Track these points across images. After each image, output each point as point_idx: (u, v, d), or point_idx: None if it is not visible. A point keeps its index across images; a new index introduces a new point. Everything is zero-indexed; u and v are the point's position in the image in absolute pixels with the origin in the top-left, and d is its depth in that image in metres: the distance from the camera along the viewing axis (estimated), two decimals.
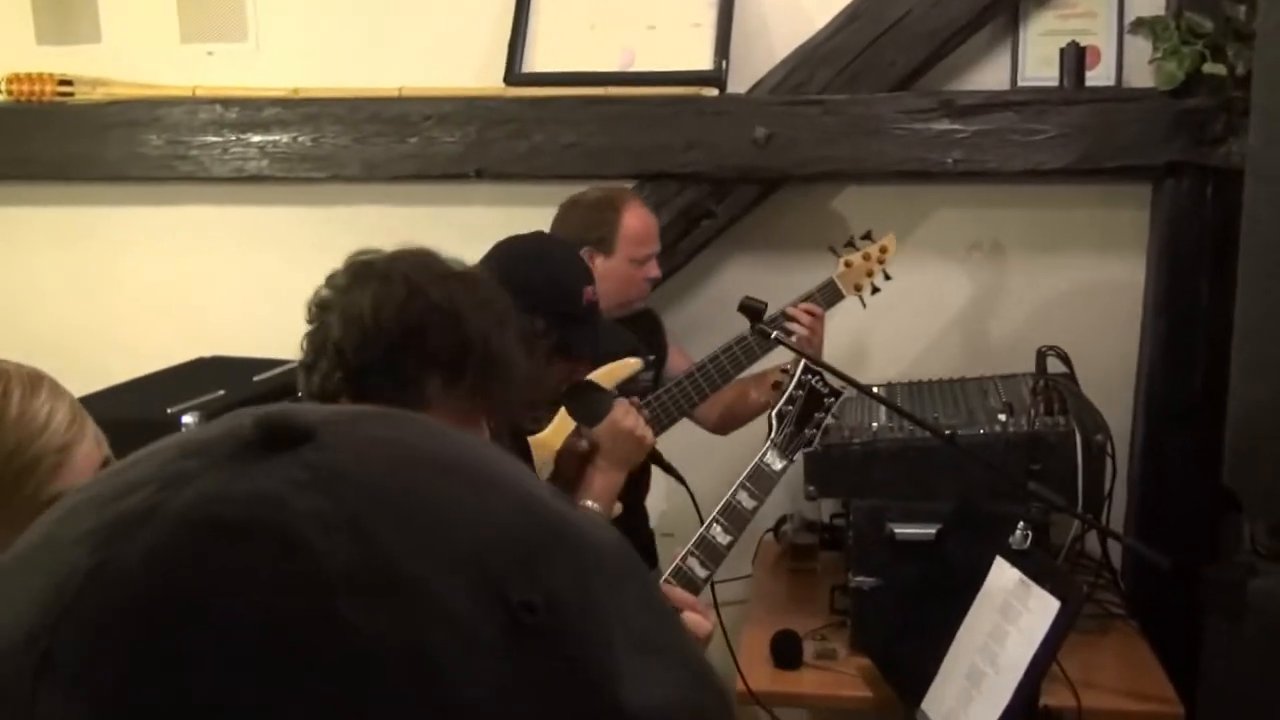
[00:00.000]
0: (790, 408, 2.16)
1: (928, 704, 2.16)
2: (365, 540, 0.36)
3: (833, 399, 2.19)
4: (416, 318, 1.50)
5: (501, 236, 2.19)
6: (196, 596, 0.35)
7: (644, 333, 2.81)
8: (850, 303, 2.87)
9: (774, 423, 2.17)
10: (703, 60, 3.09)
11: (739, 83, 3.12)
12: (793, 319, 2.73)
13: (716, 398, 2.81)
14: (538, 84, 3.16)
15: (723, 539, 2.05)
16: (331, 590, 0.35)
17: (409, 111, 3.22)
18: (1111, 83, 3.05)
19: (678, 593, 1.96)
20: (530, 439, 2.17)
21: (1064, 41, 3.02)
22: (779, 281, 2.96)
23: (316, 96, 3.29)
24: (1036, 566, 2.10)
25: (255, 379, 2.58)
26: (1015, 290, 3.23)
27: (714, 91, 3.09)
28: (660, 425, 2.69)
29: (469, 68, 3.26)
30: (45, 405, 1.27)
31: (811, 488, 2.59)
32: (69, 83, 3.38)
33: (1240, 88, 2.73)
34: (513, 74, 3.18)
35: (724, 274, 3.30)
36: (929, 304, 3.22)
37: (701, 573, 2.07)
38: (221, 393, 2.52)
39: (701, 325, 3.16)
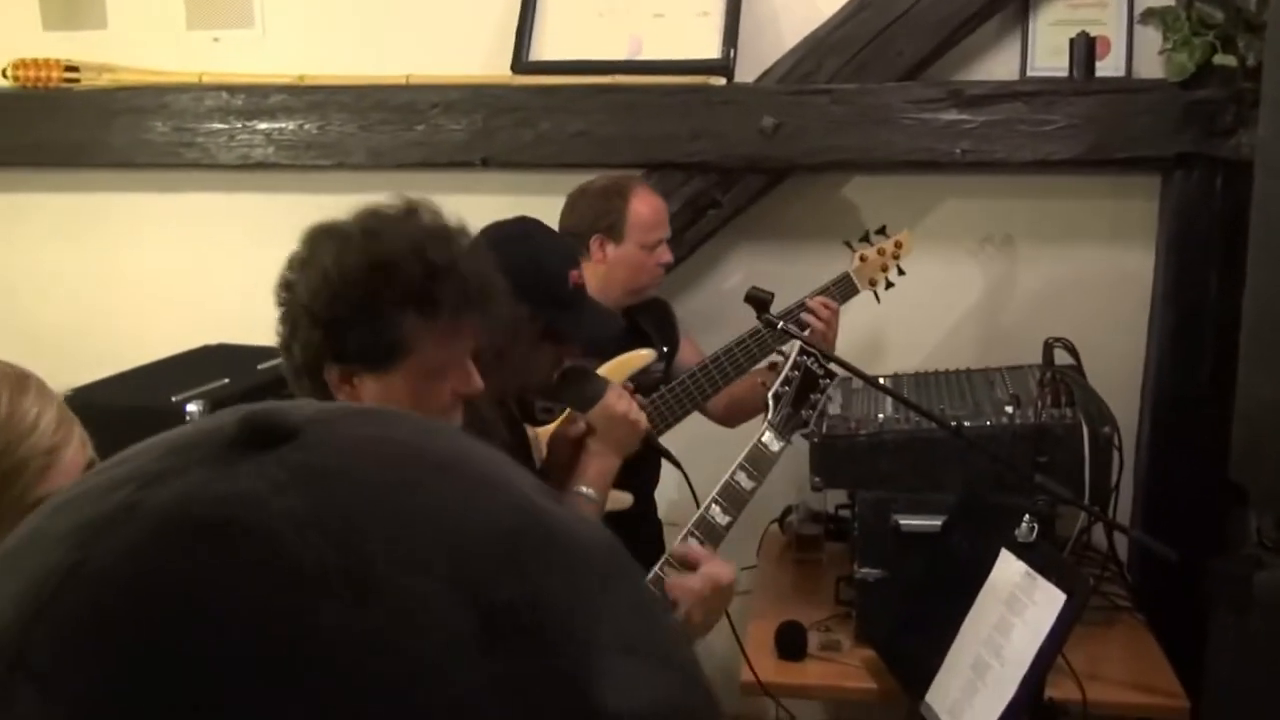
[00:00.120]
0: (786, 388, 2.16)
1: (932, 696, 2.16)
2: (344, 540, 0.36)
3: (828, 380, 2.19)
4: (380, 256, 1.51)
5: None
6: (174, 595, 0.35)
7: (656, 323, 2.80)
8: (858, 296, 2.86)
9: (771, 404, 2.16)
10: (710, 49, 3.09)
11: (746, 72, 3.11)
12: (811, 311, 2.73)
13: (725, 389, 2.81)
14: (545, 72, 3.16)
15: (721, 519, 2.05)
16: (309, 591, 0.35)
17: (416, 99, 3.21)
18: (1121, 73, 3.04)
19: (695, 548, 1.96)
20: (539, 430, 2.16)
21: (1074, 31, 3.01)
22: (785, 271, 2.96)
23: (323, 84, 3.28)
24: (1042, 559, 2.10)
25: (259, 367, 2.58)
26: (1023, 281, 3.22)
27: (721, 81, 3.08)
28: (673, 418, 2.69)
29: (476, 56, 3.25)
30: (33, 407, 1.25)
31: (817, 479, 2.59)
32: (75, 69, 3.38)
33: (1251, 79, 2.72)
34: (520, 62, 3.17)
35: (730, 264, 3.29)
36: (935, 294, 3.20)
37: None
38: (226, 381, 2.52)
39: (707, 315, 3.15)
